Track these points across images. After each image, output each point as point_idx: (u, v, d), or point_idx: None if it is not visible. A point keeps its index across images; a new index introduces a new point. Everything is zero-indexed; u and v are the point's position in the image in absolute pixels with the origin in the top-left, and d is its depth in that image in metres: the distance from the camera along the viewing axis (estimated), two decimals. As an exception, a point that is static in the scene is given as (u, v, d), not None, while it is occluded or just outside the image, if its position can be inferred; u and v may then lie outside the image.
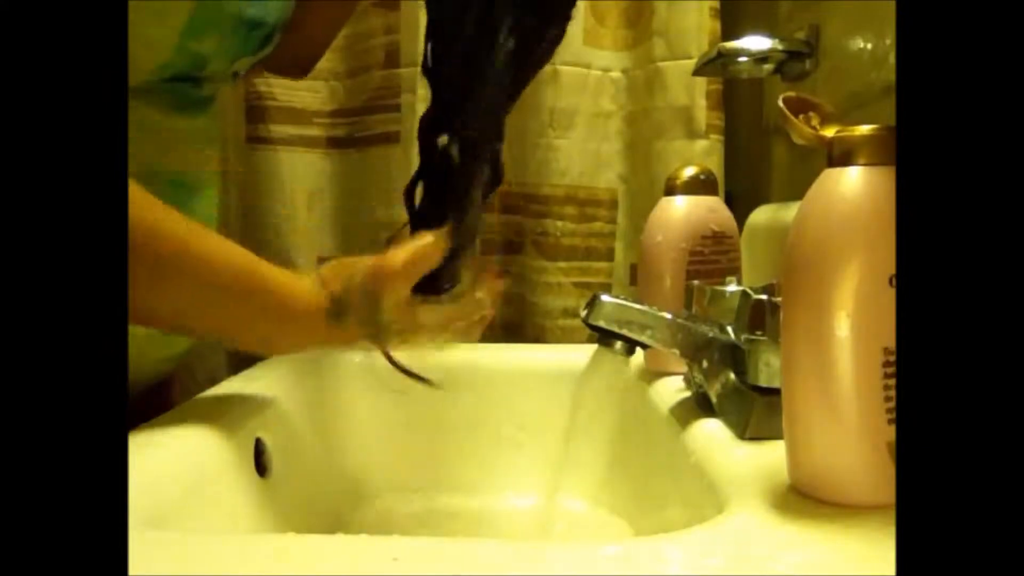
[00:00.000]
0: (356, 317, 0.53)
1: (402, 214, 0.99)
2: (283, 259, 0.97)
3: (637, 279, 0.73)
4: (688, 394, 0.58)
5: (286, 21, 0.62)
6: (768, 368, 0.47)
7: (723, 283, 0.53)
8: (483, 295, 0.59)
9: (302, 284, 0.53)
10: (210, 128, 0.64)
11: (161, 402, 0.64)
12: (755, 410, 0.46)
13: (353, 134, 1.01)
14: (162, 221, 0.48)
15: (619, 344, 0.53)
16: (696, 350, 0.52)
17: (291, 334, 0.54)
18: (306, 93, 0.99)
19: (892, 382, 0.33)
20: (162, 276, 0.48)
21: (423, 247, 0.55)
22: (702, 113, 0.94)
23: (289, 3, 0.62)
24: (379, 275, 0.53)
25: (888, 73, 0.64)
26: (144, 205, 0.47)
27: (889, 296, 0.33)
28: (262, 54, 0.61)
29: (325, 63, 0.84)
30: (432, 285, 0.56)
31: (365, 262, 0.54)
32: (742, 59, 0.79)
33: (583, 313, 0.52)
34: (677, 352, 0.53)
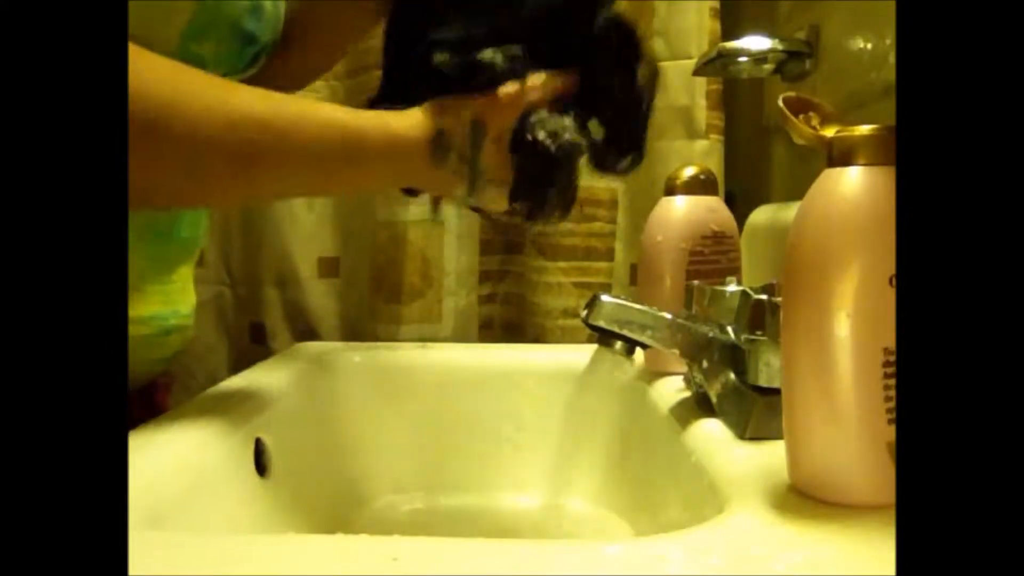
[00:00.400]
0: (459, 153, 0.51)
1: (402, 213, 0.98)
2: (283, 259, 0.97)
3: (637, 279, 0.73)
4: (688, 394, 0.58)
5: (276, 44, 0.62)
6: (768, 368, 0.47)
7: (723, 283, 0.53)
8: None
9: (408, 115, 0.52)
10: None
11: (152, 404, 0.64)
12: (755, 410, 0.46)
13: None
14: (246, 106, 0.46)
15: (619, 344, 0.53)
16: (696, 350, 0.52)
17: (391, 169, 0.53)
18: (306, 93, 0.98)
19: (892, 382, 0.33)
20: (258, 162, 0.47)
21: (535, 82, 0.53)
22: (702, 113, 0.94)
23: (279, 27, 0.62)
24: (489, 109, 0.52)
25: (888, 73, 0.64)
26: (222, 89, 0.46)
27: (889, 296, 0.33)
28: (247, 73, 0.61)
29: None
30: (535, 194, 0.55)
31: (475, 98, 0.53)
32: (742, 59, 0.79)
33: (583, 313, 0.52)
34: (677, 352, 0.53)
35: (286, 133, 0.47)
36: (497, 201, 0.55)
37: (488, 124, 0.52)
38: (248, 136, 0.46)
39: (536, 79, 0.54)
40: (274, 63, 0.63)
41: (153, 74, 0.43)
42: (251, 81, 0.49)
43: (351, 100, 1.00)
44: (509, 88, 0.53)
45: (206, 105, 0.44)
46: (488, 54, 0.54)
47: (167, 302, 0.60)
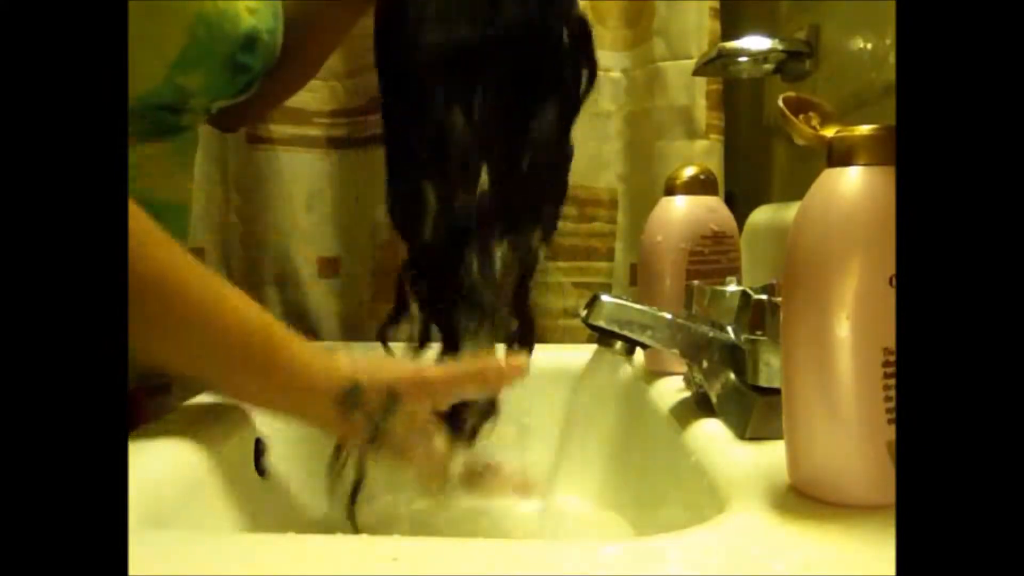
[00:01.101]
0: (365, 412, 0.51)
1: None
2: (283, 259, 0.97)
3: (637, 279, 0.73)
4: (688, 394, 0.58)
5: (269, 69, 0.62)
6: (768, 368, 0.47)
7: (723, 283, 0.53)
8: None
9: (327, 359, 0.51)
10: (184, 155, 0.64)
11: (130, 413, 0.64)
12: (755, 410, 0.46)
13: (353, 134, 1.00)
14: (183, 271, 0.47)
15: (619, 344, 0.53)
16: (696, 350, 0.52)
17: (290, 400, 0.52)
18: (306, 93, 0.98)
19: (892, 382, 0.33)
20: (176, 327, 0.46)
21: (475, 371, 0.53)
22: (702, 113, 0.94)
23: (275, 52, 0.62)
24: (412, 384, 0.52)
25: (888, 73, 0.64)
26: (167, 255, 0.46)
27: (889, 296, 0.33)
28: (240, 98, 0.61)
29: (326, 62, 0.84)
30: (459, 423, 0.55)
31: (405, 365, 0.53)
32: (742, 59, 0.79)
33: (583, 313, 0.52)
34: (677, 352, 0.53)
35: (209, 305, 0.47)
36: (389, 461, 0.54)
37: (404, 399, 0.51)
38: (168, 294, 0.45)
39: (470, 372, 0.53)
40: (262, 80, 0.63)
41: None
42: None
43: (351, 100, 1.01)
44: (436, 372, 0.53)
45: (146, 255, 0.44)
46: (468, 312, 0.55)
47: None
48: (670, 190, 0.66)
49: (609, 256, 0.99)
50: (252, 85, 0.61)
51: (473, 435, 0.60)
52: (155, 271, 0.45)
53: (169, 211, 0.62)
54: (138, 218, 0.45)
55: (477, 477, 0.59)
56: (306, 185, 0.99)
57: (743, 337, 0.49)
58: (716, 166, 0.93)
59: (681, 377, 0.60)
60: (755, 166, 0.94)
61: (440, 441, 0.55)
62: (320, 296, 0.98)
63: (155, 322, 0.45)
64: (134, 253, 0.42)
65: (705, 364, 0.52)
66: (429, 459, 0.54)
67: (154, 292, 0.45)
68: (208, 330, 0.48)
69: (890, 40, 0.64)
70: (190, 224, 0.66)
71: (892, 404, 0.33)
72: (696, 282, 0.57)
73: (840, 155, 0.35)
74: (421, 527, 0.65)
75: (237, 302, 0.49)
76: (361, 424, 0.51)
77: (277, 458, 0.59)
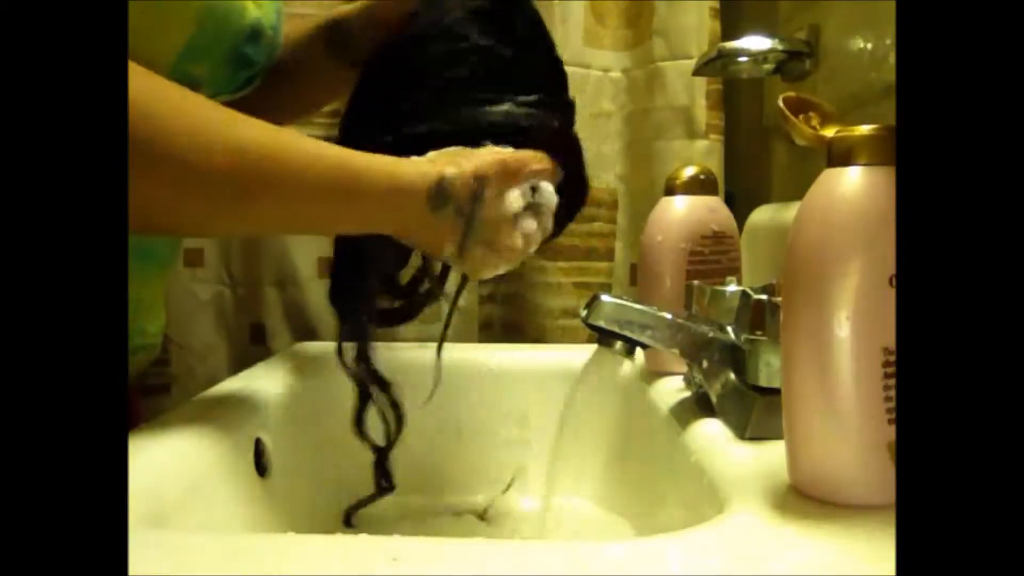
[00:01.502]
0: (456, 206, 0.51)
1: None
2: (283, 259, 0.97)
3: (637, 279, 0.73)
4: (688, 394, 0.58)
5: (272, 66, 0.62)
6: (768, 368, 0.47)
7: (723, 283, 0.53)
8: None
9: (413, 161, 0.52)
10: None
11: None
12: (755, 410, 0.46)
13: (353, 134, 1.00)
14: (249, 138, 0.46)
15: (619, 344, 0.53)
16: (696, 350, 0.52)
17: (390, 213, 0.51)
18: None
19: (892, 382, 0.33)
20: (257, 194, 0.46)
21: (540, 154, 0.54)
22: (702, 113, 0.94)
23: (276, 51, 0.62)
24: (497, 166, 0.53)
25: (888, 73, 0.64)
26: (226, 120, 0.45)
27: (889, 296, 0.33)
28: (239, 95, 0.61)
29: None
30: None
31: (482, 152, 0.53)
32: (742, 59, 0.79)
33: (583, 313, 0.52)
34: (677, 352, 0.53)
35: (289, 165, 0.47)
36: (481, 266, 0.55)
37: (491, 181, 0.52)
38: (250, 164, 0.45)
39: (542, 157, 0.55)
40: (258, 95, 0.63)
41: (158, 96, 0.43)
42: (233, 107, 0.49)
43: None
44: (512, 154, 0.54)
45: (211, 130, 0.44)
46: (506, 108, 0.55)
47: (134, 321, 0.59)
48: (670, 190, 0.66)
49: (609, 256, 0.99)
50: (253, 81, 0.61)
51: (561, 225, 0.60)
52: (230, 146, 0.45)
53: None
54: (202, 105, 0.45)
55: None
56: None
57: (743, 337, 0.49)
58: (716, 166, 0.93)
59: (681, 377, 0.60)
60: (755, 166, 0.94)
61: (528, 225, 0.55)
62: (320, 296, 0.98)
63: (257, 186, 0.46)
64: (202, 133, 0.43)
65: (705, 364, 0.52)
66: (515, 249, 0.55)
67: (254, 155, 0.45)
68: (303, 180, 0.47)
69: (890, 40, 0.64)
70: (180, 247, 0.66)
71: (892, 404, 0.33)
72: (696, 282, 0.57)
73: (840, 155, 0.35)
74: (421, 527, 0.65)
75: (306, 143, 0.49)
76: (453, 221, 0.52)
77: (277, 458, 0.59)
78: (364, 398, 0.61)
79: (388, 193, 0.50)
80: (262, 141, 0.46)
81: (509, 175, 0.53)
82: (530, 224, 0.55)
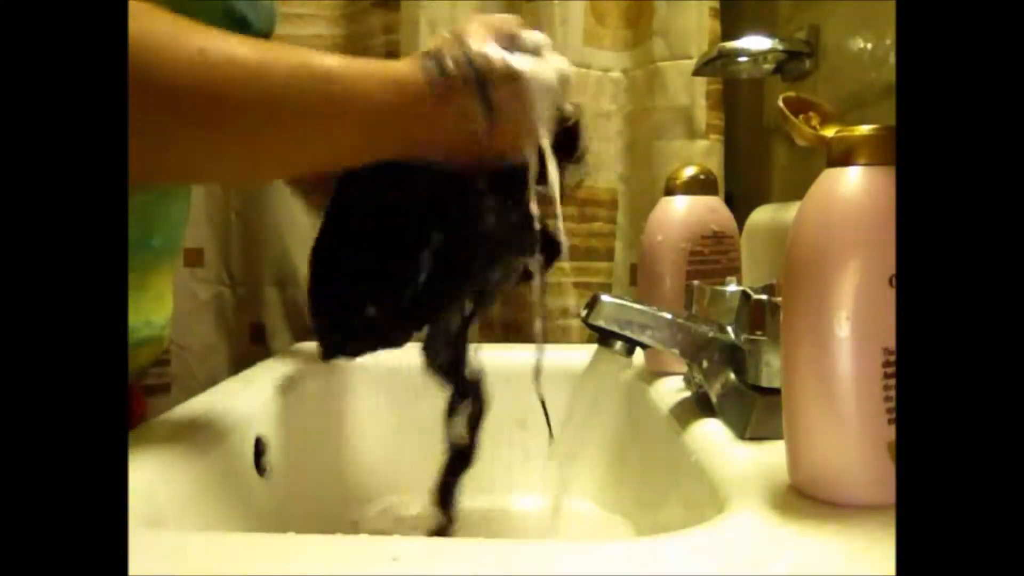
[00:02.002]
0: (453, 59, 0.45)
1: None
2: (283, 259, 0.98)
3: (637, 279, 0.73)
4: (688, 394, 0.58)
5: (270, 33, 0.61)
6: (768, 368, 0.47)
7: (723, 283, 0.53)
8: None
9: (392, 65, 0.46)
10: None
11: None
12: (755, 410, 0.46)
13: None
14: (231, 51, 0.42)
15: (619, 344, 0.53)
16: (696, 350, 0.52)
17: (389, 116, 0.45)
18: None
19: (892, 382, 0.33)
20: (244, 110, 0.42)
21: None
22: (702, 113, 0.94)
23: (273, 21, 0.61)
24: (473, 22, 0.47)
25: (888, 73, 0.64)
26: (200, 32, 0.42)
27: (889, 296, 0.33)
28: None
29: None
30: None
31: (459, 23, 0.49)
32: (742, 59, 0.79)
33: (583, 313, 0.52)
34: (677, 352, 0.53)
35: (274, 74, 0.43)
36: (517, 128, 0.48)
37: (471, 30, 0.47)
38: (236, 78, 0.42)
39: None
40: None
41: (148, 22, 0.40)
42: None
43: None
44: (489, 16, 0.49)
45: (179, 44, 0.41)
46: None
47: (138, 312, 0.59)
48: (670, 190, 0.66)
49: (609, 256, 0.99)
50: None
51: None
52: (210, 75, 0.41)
53: (175, 193, 0.62)
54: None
55: None
56: (306, 185, 0.99)
57: (743, 337, 0.49)
58: (716, 166, 0.93)
59: (681, 377, 0.60)
60: (755, 166, 0.94)
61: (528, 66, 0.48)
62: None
63: (238, 100, 0.42)
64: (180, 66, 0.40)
65: (705, 364, 0.52)
66: (532, 93, 0.47)
67: (230, 67, 0.42)
68: (289, 89, 0.43)
69: (890, 40, 0.64)
70: (182, 236, 0.66)
71: (892, 404, 0.33)
72: (696, 282, 0.57)
73: (840, 155, 0.35)
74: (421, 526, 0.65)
75: (290, 54, 0.44)
76: (462, 101, 0.45)
77: (277, 458, 0.59)
78: (457, 398, 0.58)
79: (382, 89, 0.45)
80: (243, 53, 0.43)
81: (488, 24, 0.48)
82: (529, 64, 0.48)
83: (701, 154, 0.93)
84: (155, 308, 0.62)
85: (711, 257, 0.64)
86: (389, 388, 0.79)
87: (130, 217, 0.55)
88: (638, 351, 0.53)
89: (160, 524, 0.39)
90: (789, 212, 0.71)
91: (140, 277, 0.59)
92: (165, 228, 0.61)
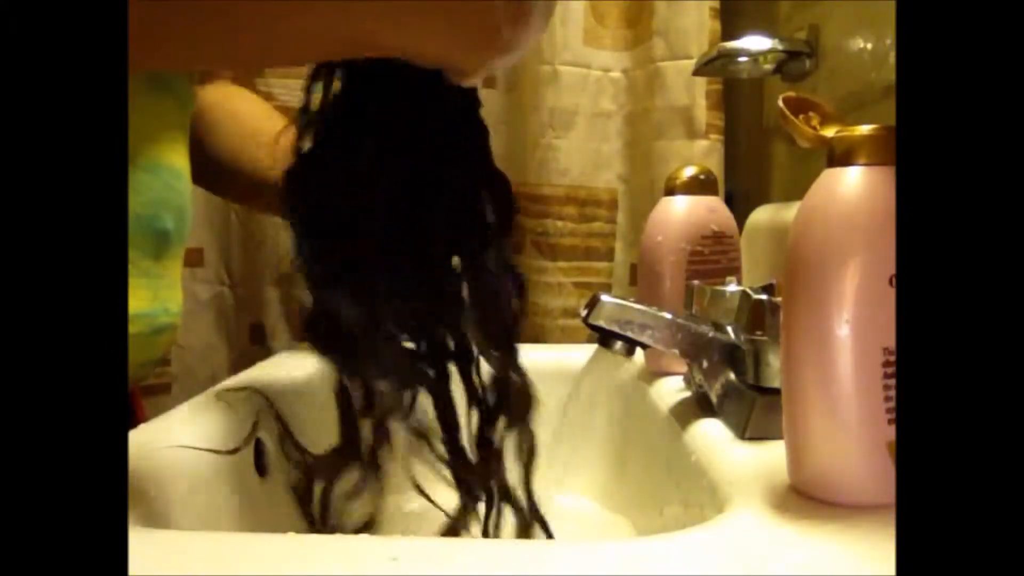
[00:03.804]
0: None
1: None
2: (283, 259, 0.97)
3: (637, 279, 0.73)
4: (688, 394, 0.58)
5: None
6: (768, 368, 0.47)
7: (723, 283, 0.53)
8: None
9: None
10: (183, 114, 0.63)
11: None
12: (755, 410, 0.46)
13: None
14: None
15: (619, 344, 0.53)
16: (696, 350, 0.52)
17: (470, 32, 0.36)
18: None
19: (892, 382, 0.33)
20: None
21: None
22: (702, 113, 0.94)
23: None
24: None
25: (888, 73, 0.64)
26: None
27: (889, 296, 0.33)
28: None
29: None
30: None
31: None
32: (742, 59, 0.79)
33: (583, 313, 0.52)
34: (677, 352, 0.53)
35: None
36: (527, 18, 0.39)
37: None
38: None
39: None
40: None
41: None
42: None
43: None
44: None
45: None
46: None
47: (156, 298, 0.58)
48: (670, 190, 0.66)
49: (609, 256, 0.99)
50: None
51: None
52: None
53: (179, 176, 0.62)
54: None
55: None
56: (306, 185, 0.99)
57: (743, 337, 0.49)
58: (716, 166, 0.93)
59: (681, 377, 0.60)
60: (755, 166, 0.94)
61: None
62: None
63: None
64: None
65: (705, 364, 0.52)
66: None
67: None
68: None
69: (890, 40, 0.64)
70: (189, 225, 0.66)
71: (892, 404, 0.33)
72: (696, 282, 0.57)
73: (840, 155, 0.35)
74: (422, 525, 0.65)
75: None
76: None
77: (277, 458, 0.59)
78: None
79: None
80: None
81: None
82: None
83: (701, 154, 0.93)
84: (170, 295, 0.61)
85: (711, 257, 0.64)
86: (389, 388, 0.79)
87: (133, 195, 0.55)
88: (638, 351, 0.53)
89: (160, 524, 0.39)
90: (789, 212, 0.71)
91: (155, 261, 0.58)
92: (174, 212, 0.60)
